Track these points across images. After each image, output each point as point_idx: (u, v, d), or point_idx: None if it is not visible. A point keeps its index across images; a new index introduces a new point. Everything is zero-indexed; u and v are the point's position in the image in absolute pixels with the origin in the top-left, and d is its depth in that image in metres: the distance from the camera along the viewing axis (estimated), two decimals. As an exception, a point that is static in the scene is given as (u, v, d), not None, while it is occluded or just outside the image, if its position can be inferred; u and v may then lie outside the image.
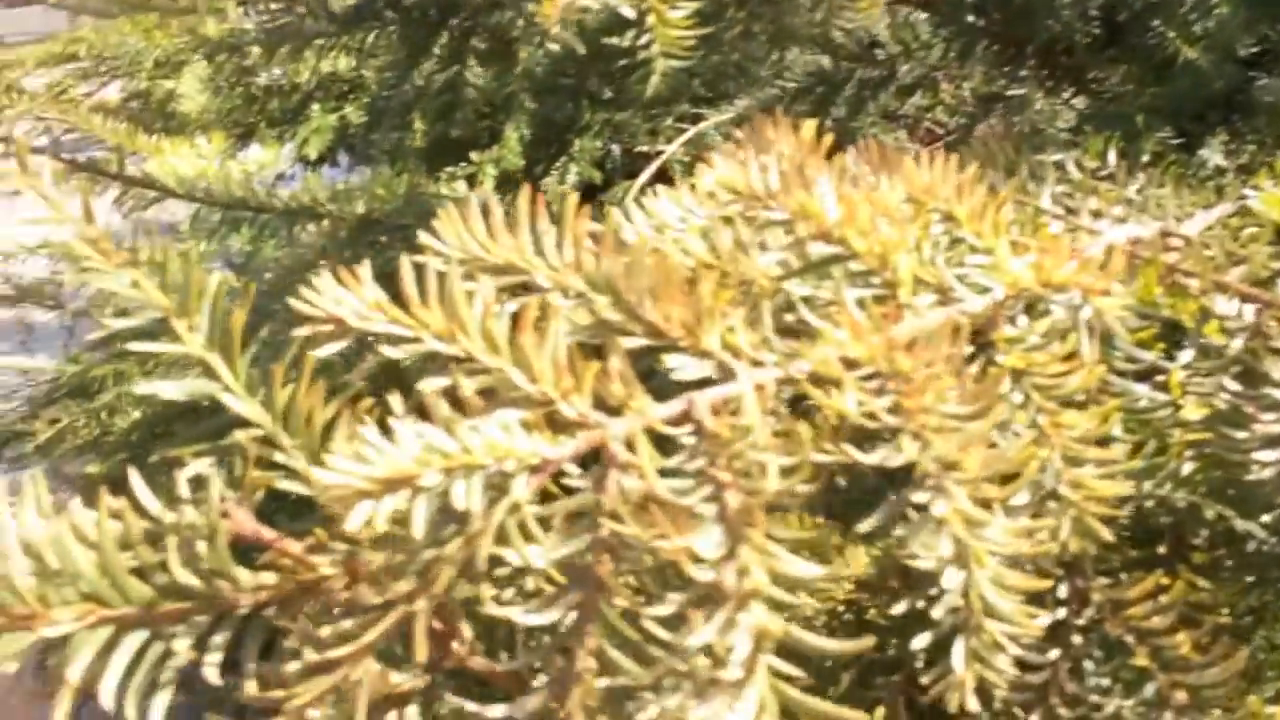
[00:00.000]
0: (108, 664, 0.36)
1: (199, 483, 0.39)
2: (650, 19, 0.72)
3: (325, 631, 0.36)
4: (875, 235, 0.45)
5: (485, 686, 0.43)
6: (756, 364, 0.40)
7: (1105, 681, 0.54)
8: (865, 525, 0.38)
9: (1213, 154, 0.94)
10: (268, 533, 0.40)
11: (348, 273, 0.41)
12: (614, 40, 1.32)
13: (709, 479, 0.36)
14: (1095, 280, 0.45)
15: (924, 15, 1.17)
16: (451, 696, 0.41)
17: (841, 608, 0.66)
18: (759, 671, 0.34)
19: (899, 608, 0.42)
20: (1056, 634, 0.53)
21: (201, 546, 0.38)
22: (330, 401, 0.43)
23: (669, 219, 0.50)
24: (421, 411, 0.36)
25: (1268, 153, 0.93)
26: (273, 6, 1.25)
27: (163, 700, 0.37)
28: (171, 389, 0.44)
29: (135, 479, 0.39)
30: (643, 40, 0.73)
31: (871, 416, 0.39)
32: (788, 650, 0.35)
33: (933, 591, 0.38)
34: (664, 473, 0.36)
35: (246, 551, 0.40)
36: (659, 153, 1.49)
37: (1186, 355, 0.52)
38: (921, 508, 0.38)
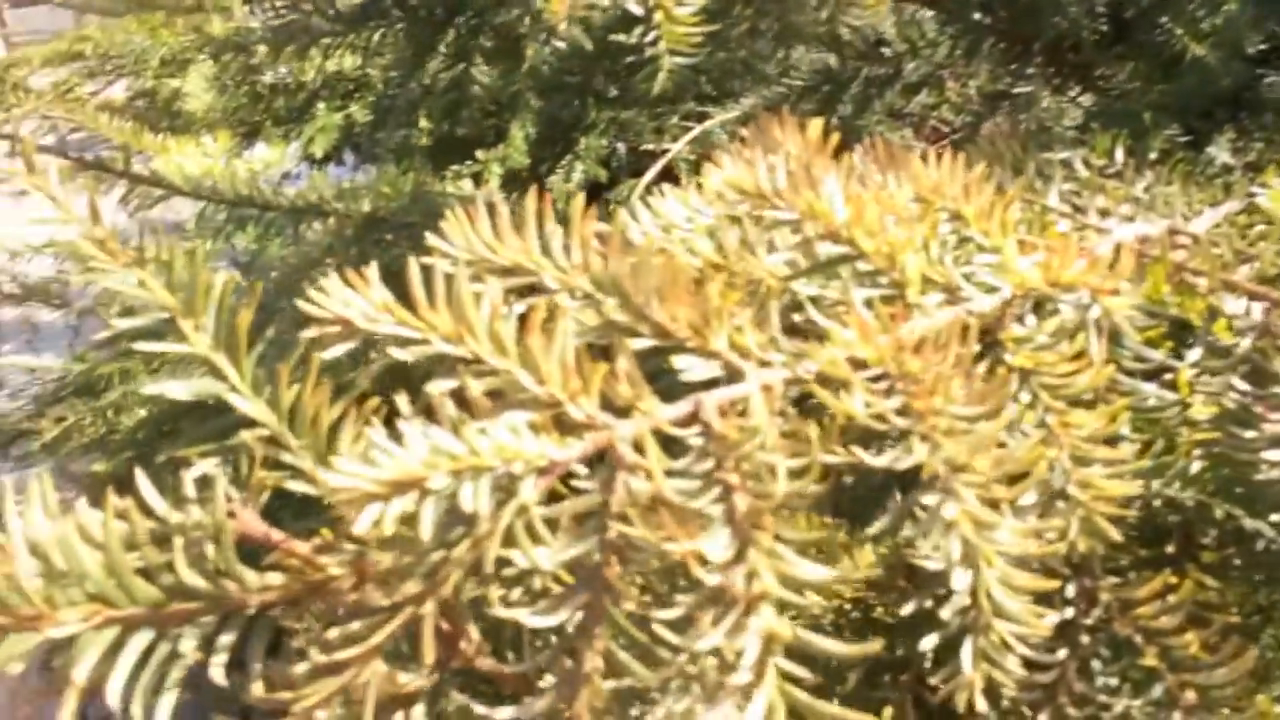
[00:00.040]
0: (114, 664, 0.36)
1: (205, 483, 0.39)
2: (657, 16, 0.72)
3: (333, 633, 0.36)
4: (883, 235, 0.45)
5: (492, 687, 0.43)
6: (764, 364, 0.40)
7: (1114, 681, 0.53)
8: (874, 528, 0.38)
9: (1220, 151, 0.94)
10: (275, 533, 0.40)
11: (355, 274, 0.41)
12: (621, 37, 1.32)
13: (717, 480, 0.36)
14: (1103, 279, 0.45)
15: (930, 13, 1.17)
16: (458, 697, 0.41)
17: (849, 607, 0.66)
18: (768, 675, 0.34)
19: (907, 607, 0.42)
20: (1065, 634, 0.53)
21: (208, 547, 0.38)
22: (336, 401, 0.43)
23: (676, 219, 0.50)
24: (429, 413, 0.36)
25: (1275, 150, 0.93)
26: (278, 5, 1.25)
27: (169, 701, 0.37)
28: (178, 388, 0.44)
29: (141, 479, 0.39)
30: (650, 37, 0.73)
31: (880, 418, 0.39)
32: (795, 651, 0.35)
33: (941, 591, 0.38)
34: (672, 474, 0.36)
35: (253, 552, 0.40)
36: (664, 151, 1.49)
37: (1195, 354, 0.52)
38: (930, 509, 0.38)
